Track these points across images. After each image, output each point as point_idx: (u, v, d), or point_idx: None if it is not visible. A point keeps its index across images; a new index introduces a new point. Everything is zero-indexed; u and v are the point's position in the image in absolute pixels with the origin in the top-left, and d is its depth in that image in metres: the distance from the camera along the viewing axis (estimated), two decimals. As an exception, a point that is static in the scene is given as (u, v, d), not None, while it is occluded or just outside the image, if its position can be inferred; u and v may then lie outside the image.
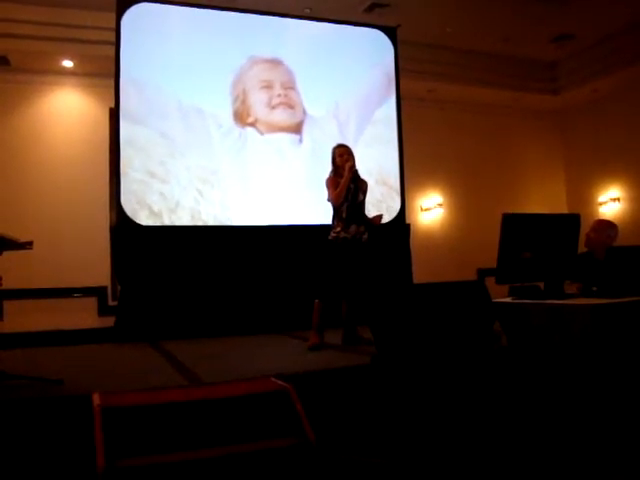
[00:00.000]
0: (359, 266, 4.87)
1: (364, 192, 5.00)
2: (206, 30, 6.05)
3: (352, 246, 4.85)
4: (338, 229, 4.88)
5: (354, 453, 3.11)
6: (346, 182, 4.78)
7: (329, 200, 4.87)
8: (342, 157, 4.87)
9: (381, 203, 7.05)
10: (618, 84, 9.18)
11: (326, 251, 4.89)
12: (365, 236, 4.95)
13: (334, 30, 6.05)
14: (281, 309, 6.30)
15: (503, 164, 10.20)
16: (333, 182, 4.87)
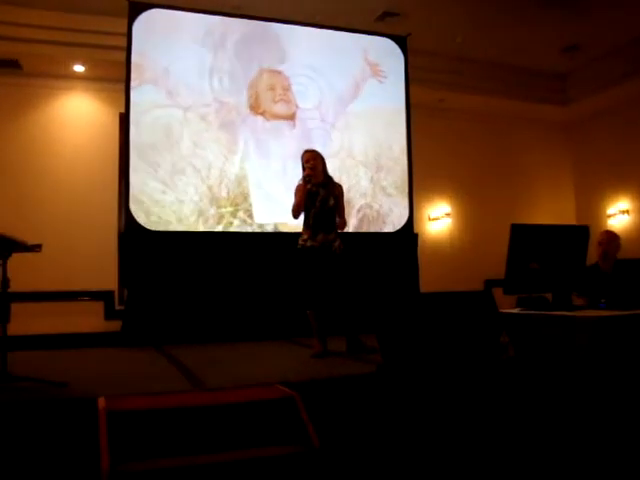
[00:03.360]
0: (332, 275, 4.74)
1: (336, 197, 4.86)
2: (220, 37, 6.91)
3: (321, 255, 4.73)
4: (305, 237, 4.79)
5: (359, 461, 3.10)
6: (301, 201, 4.74)
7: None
8: (308, 162, 4.80)
9: (390, 211, 7.42)
10: (628, 95, 9.15)
11: (296, 260, 4.81)
12: (336, 244, 4.81)
13: (324, 42, 7.43)
14: (287, 316, 6.28)
15: (512, 174, 10.16)
16: (298, 190, 4.82)
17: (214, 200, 6.66)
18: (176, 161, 6.54)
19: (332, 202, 4.81)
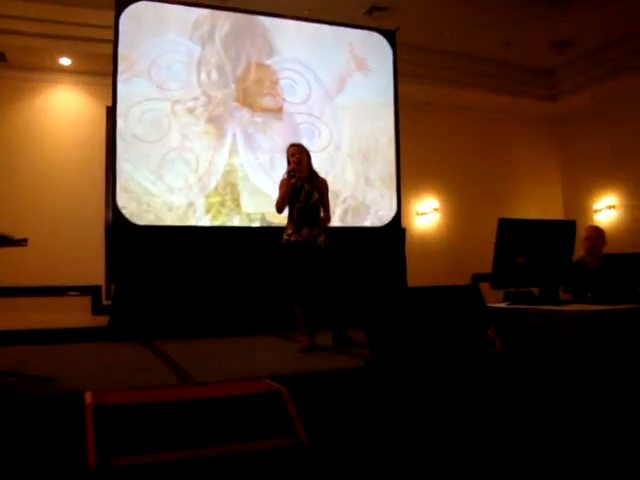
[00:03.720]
0: (317, 269, 4.74)
1: (321, 191, 4.87)
2: (208, 31, 6.93)
3: (306, 249, 4.74)
4: (290, 231, 4.80)
5: (346, 456, 3.10)
6: (285, 195, 4.74)
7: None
8: (294, 156, 4.81)
9: (377, 205, 7.46)
10: (617, 91, 9.20)
11: (281, 254, 4.82)
12: (321, 239, 4.80)
13: (313, 36, 7.45)
14: (274, 310, 6.28)
15: (500, 169, 10.20)
16: (282, 184, 4.83)
17: (203, 191, 6.73)
18: (165, 153, 6.59)
19: (316, 196, 4.81)
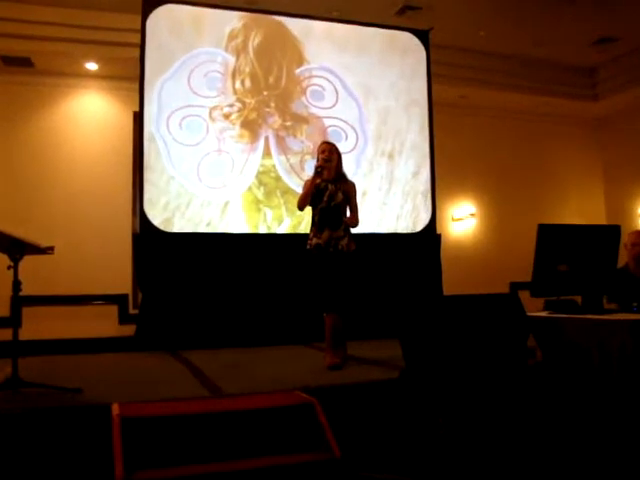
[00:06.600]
0: (340, 275, 4.57)
1: (347, 193, 4.70)
2: (242, 41, 7.09)
3: (328, 254, 4.58)
4: (311, 235, 4.69)
5: (380, 471, 3.03)
6: (307, 193, 4.63)
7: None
8: (323, 153, 4.71)
9: (411, 210, 7.43)
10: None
11: (306, 261, 4.71)
12: (344, 242, 4.60)
13: (343, 41, 7.47)
14: (305, 320, 6.19)
15: (539, 173, 10.01)
16: (307, 183, 4.74)
17: (239, 190, 6.89)
18: (203, 155, 6.79)
19: (340, 198, 4.64)
